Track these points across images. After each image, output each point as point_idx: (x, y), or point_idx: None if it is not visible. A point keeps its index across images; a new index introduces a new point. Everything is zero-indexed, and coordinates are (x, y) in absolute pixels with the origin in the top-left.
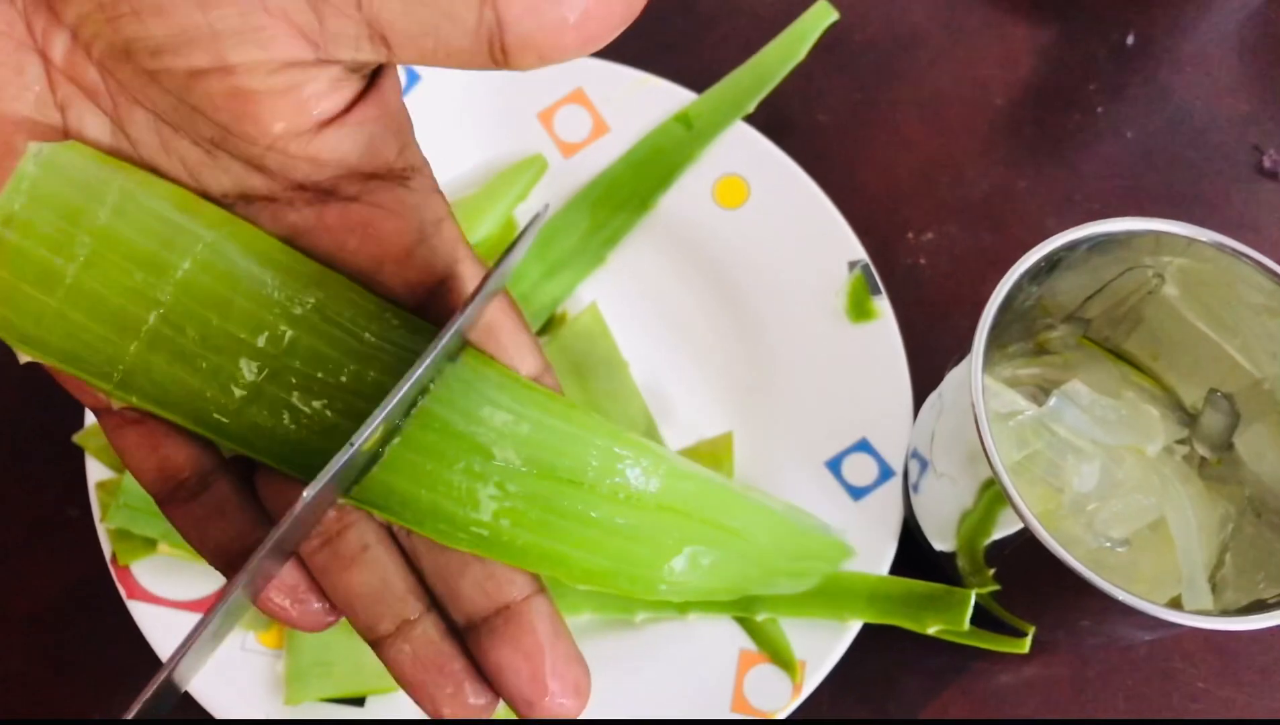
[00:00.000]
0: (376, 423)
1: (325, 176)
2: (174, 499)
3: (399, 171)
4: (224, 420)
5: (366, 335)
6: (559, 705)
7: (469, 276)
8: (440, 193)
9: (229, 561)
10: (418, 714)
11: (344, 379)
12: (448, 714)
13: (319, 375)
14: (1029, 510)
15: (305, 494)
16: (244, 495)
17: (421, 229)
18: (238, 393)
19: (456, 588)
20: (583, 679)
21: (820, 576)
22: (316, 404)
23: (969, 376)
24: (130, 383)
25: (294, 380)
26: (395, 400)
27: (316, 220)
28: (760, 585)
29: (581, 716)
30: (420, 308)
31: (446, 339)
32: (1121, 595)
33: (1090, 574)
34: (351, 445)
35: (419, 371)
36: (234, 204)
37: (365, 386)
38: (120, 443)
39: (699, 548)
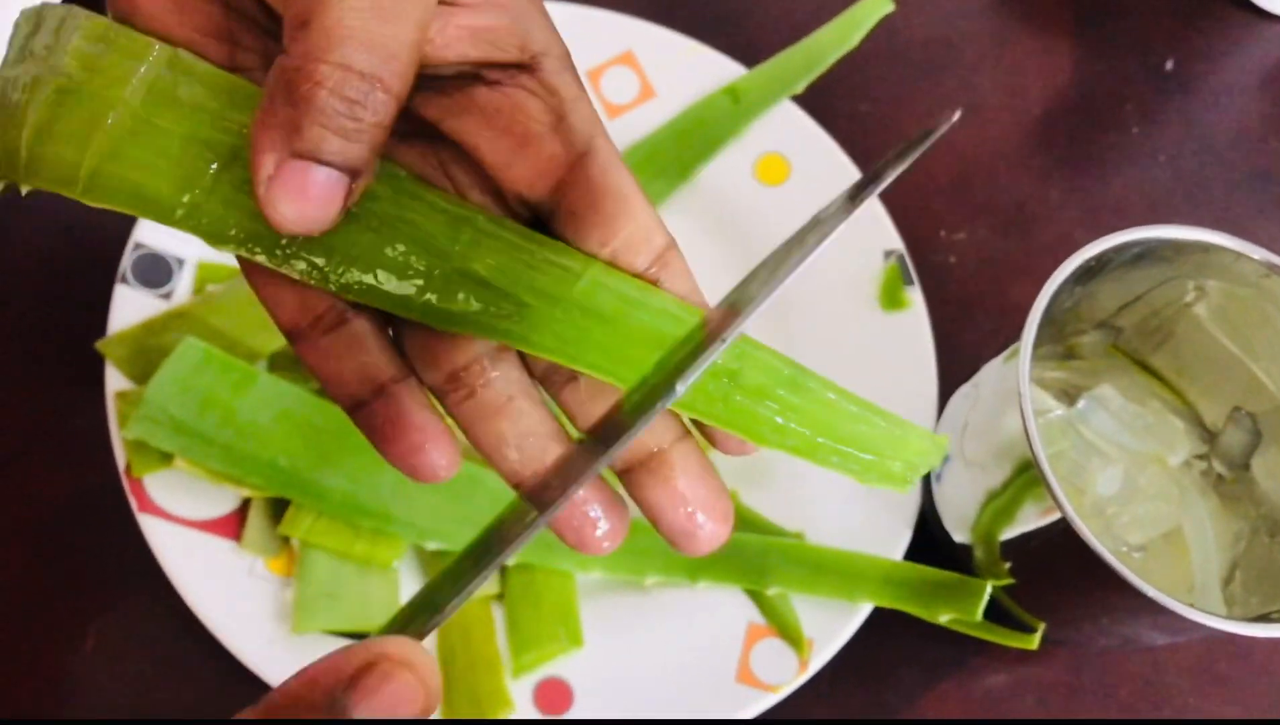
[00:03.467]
0: None
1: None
2: (310, 334)
3: (529, 61)
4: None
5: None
6: (710, 533)
7: (604, 150)
8: (573, 71)
9: (355, 399)
10: None
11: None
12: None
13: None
14: (1066, 500)
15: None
16: (381, 334)
17: (559, 107)
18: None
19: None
20: (728, 508)
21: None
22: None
23: (1013, 367)
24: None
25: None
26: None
27: (457, 106)
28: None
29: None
30: (561, 185)
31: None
32: (1153, 593)
33: (1123, 568)
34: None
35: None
36: None
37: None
38: (260, 284)
39: None
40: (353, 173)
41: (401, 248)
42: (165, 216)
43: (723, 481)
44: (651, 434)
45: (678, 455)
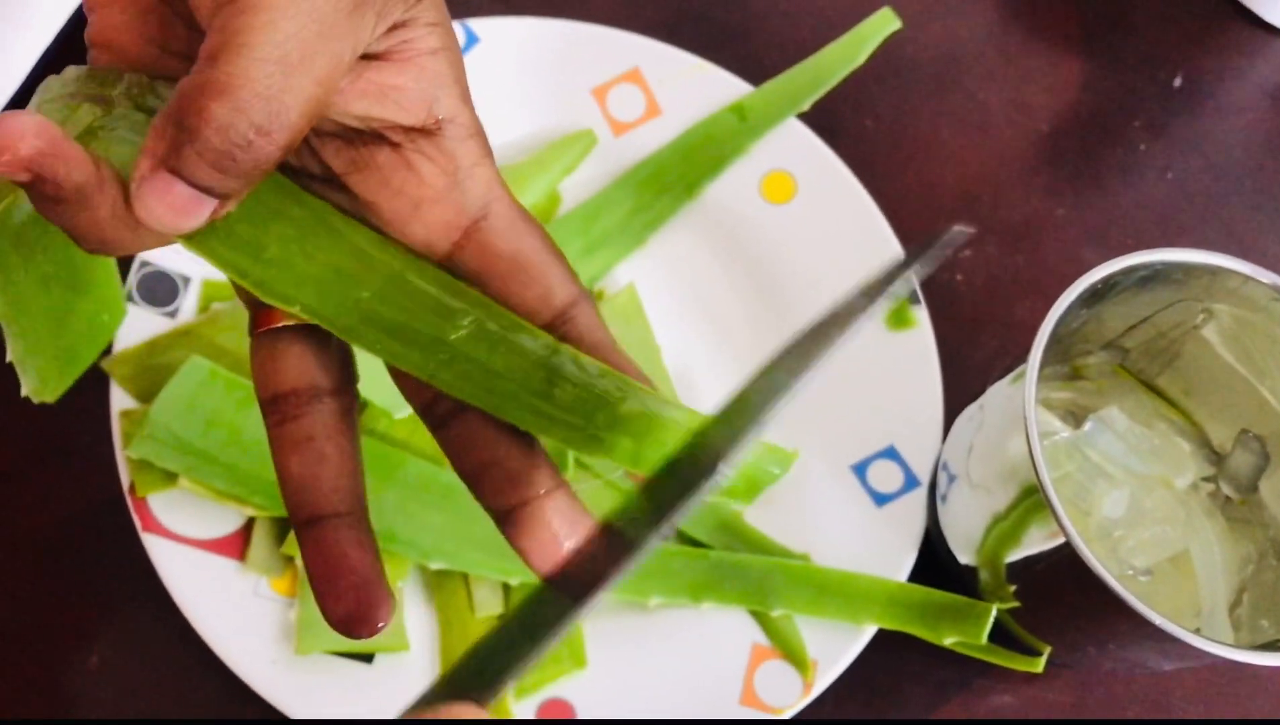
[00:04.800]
0: None
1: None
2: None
3: (432, 126)
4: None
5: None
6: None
7: (501, 215)
8: (479, 138)
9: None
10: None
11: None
12: (330, 611)
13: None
14: (1071, 525)
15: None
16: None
17: (453, 173)
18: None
19: (483, 482)
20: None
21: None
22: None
23: (1019, 389)
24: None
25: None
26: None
27: (360, 161)
28: None
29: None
30: (456, 249)
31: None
32: (1158, 620)
33: (1128, 595)
34: None
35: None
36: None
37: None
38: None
39: None
40: (221, 197)
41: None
42: None
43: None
44: (524, 485)
45: (548, 507)
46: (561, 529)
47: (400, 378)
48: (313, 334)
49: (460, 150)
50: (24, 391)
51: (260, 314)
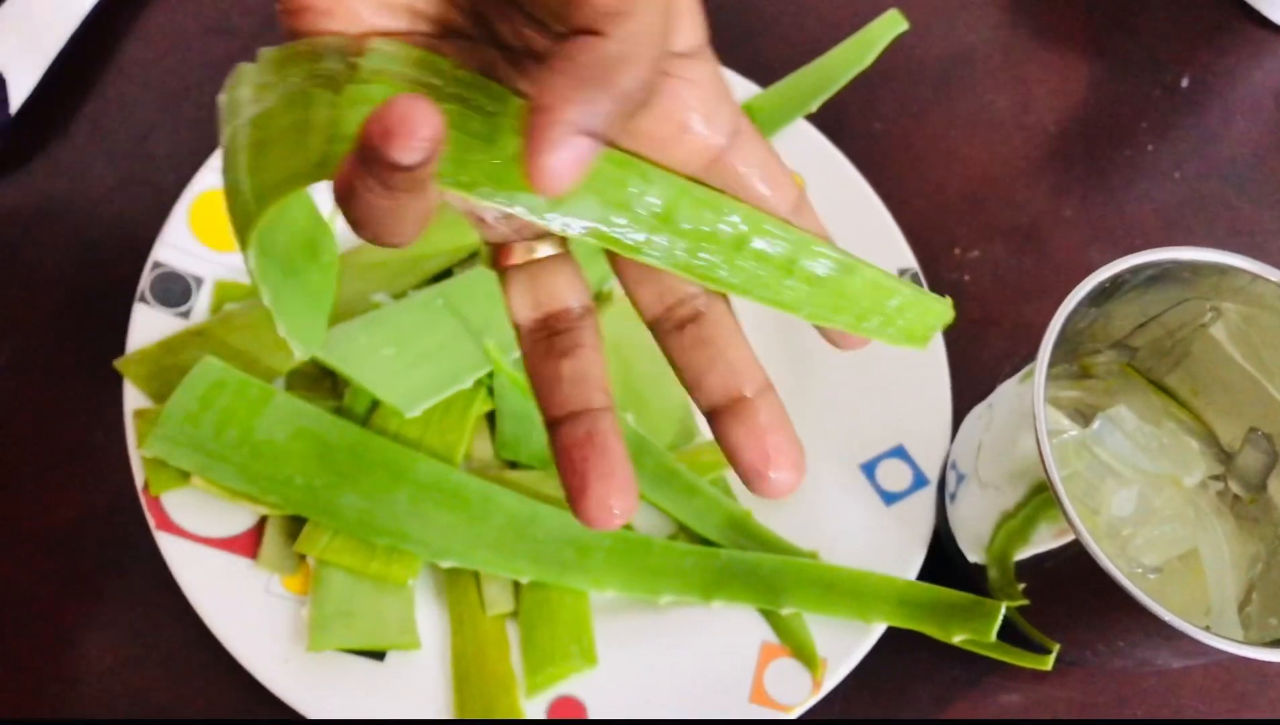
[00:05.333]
0: None
1: None
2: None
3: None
4: None
5: None
6: (783, 479)
7: (748, 132)
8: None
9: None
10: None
11: None
12: (591, 495)
13: None
14: (1080, 522)
15: None
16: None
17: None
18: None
19: (703, 381)
20: (799, 458)
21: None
22: None
23: (1028, 388)
24: None
25: None
26: None
27: None
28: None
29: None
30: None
31: None
32: (1168, 617)
33: (1138, 592)
34: None
35: None
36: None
37: None
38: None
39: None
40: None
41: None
42: None
43: (798, 437)
44: (738, 379)
45: (761, 403)
46: (770, 423)
47: (643, 285)
48: (572, 259)
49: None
50: (296, 357)
51: (503, 250)
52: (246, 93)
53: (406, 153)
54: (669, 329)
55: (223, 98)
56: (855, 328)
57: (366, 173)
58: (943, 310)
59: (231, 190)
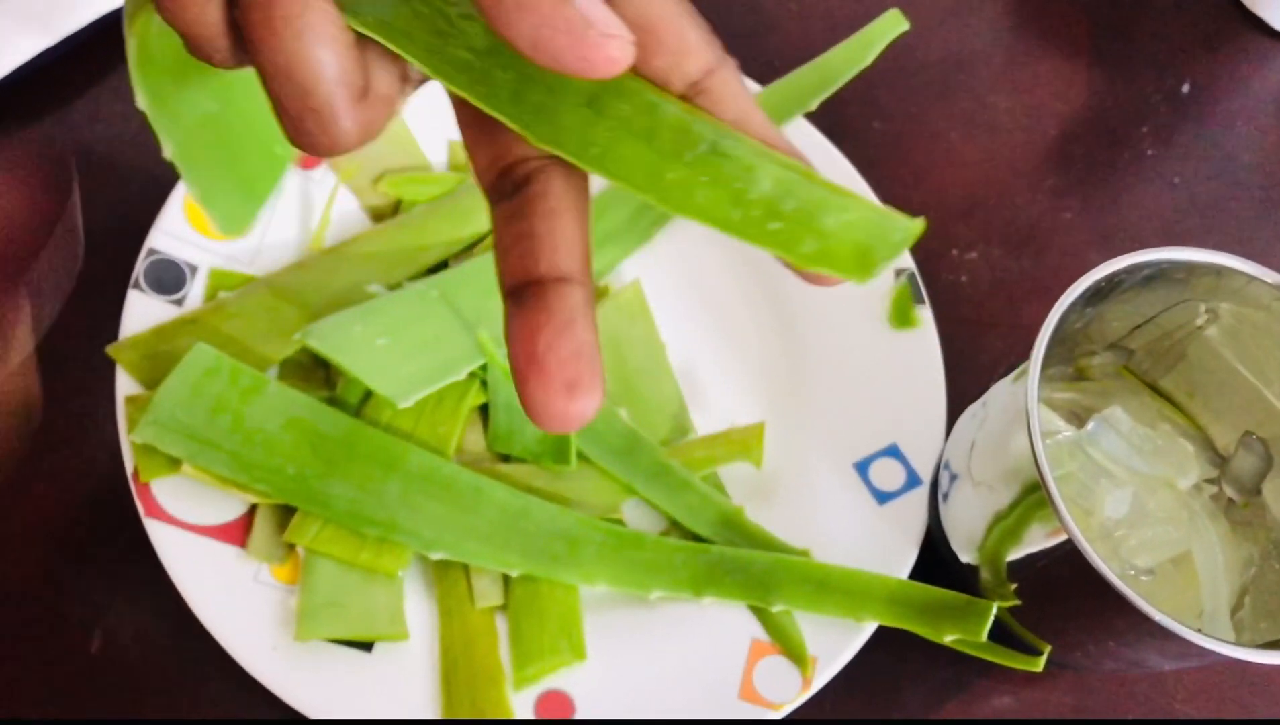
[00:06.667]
0: None
1: None
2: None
3: None
4: None
5: None
6: (547, 396)
7: None
8: None
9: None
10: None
11: None
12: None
13: None
14: (1073, 522)
15: None
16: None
17: None
18: None
19: (507, 255)
20: (589, 375)
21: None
22: None
23: (1022, 386)
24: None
25: None
26: None
27: None
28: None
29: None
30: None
31: None
32: (1160, 618)
33: (1130, 592)
34: None
35: None
36: None
37: None
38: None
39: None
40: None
41: None
42: None
43: (599, 354)
44: (545, 259)
45: (564, 290)
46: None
47: (480, 143)
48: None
49: None
50: (213, 229)
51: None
52: None
53: None
54: (500, 197)
55: None
56: (765, 241)
57: None
58: (908, 227)
59: None
